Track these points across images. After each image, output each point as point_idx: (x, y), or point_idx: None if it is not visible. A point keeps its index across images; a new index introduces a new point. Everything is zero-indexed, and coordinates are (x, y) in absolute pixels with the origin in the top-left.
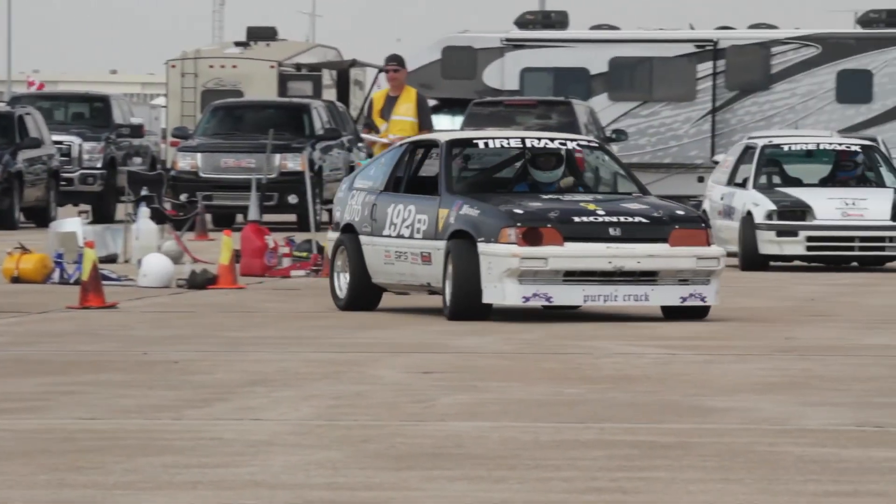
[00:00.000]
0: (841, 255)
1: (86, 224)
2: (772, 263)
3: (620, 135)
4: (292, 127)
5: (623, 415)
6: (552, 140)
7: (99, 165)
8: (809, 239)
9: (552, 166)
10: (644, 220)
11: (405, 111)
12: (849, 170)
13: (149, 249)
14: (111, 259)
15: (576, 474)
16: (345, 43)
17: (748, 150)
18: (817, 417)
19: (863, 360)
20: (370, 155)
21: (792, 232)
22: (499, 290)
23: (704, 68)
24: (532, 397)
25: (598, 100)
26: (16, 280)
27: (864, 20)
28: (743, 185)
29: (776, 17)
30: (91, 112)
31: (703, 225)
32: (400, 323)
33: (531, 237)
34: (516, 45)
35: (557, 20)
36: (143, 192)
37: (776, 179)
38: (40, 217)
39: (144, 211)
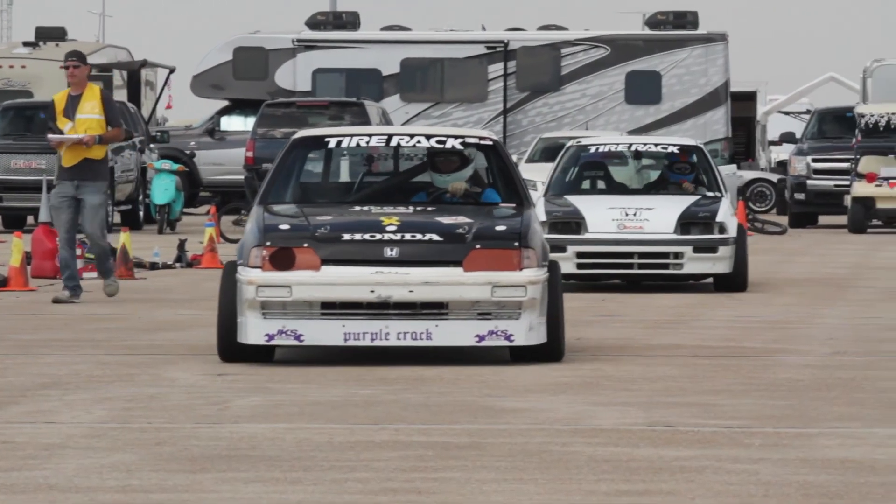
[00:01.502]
0: (618, 274)
1: None
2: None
3: None
4: None
5: (417, 416)
6: (428, 137)
7: None
8: (579, 255)
9: (454, 168)
10: (437, 238)
11: (90, 109)
12: (685, 173)
13: None
14: None
15: (370, 475)
16: (135, 43)
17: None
18: (609, 417)
19: (652, 359)
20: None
21: (560, 247)
22: (243, 325)
23: (495, 69)
24: (326, 399)
25: (391, 101)
26: None
27: (652, 22)
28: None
29: (566, 18)
30: None
31: (516, 244)
32: (193, 324)
33: (281, 259)
34: (308, 45)
35: (349, 21)
36: None
37: (601, 185)
38: None
39: None
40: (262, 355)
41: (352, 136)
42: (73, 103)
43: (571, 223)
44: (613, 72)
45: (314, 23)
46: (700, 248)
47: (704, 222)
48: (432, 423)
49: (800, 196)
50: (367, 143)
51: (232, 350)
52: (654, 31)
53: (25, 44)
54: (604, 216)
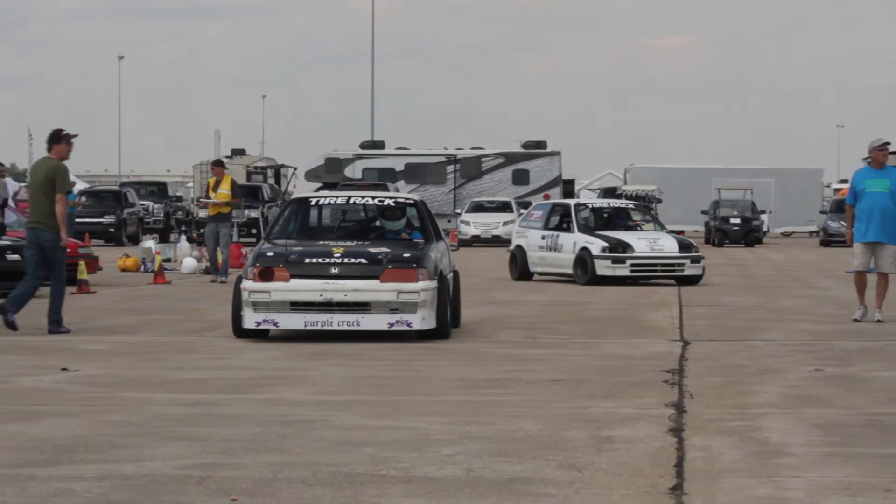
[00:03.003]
0: (651, 274)
1: (156, 243)
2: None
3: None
4: (253, 196)
5: (414, 339)
6: (373, 198)
7: (161, 216)
8: (633, 265)
9: (397, 217)
10: (364, 261)
11: (225, 188)
12: (625, 219)
13: (186, 255)
14: (168, 260)
15: (391, 363)
16: (278, 156)
17: (556, 207)
18: (504, 335)
19: (528, 306)
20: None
21: (621, 260)
22: (243, 316)
23: (450, 168)
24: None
25: (400, 184)
26: (123, 270)
27: (525, 145)
28: (567, 229)
29: (484, 142)
30: (158, 190)
31: (414, 265)
32: None
33: (265, 275)
34: (360, 156)
35: (379, 144)
36: (183, 228)
37: (590, 223)
38: (135, 240)
39: (183, 237)
40: (259, 334)
41: (327, 197)
42: (216, 185)
43: (620, 247)
44: (506, 169)
45: (363, 145)
46: (693, 260)
47: (689, 246)
48: (422, 341)
49: None
50: (336, 201)
51: (239, 331)
52: (525, 150)
53: (226, 157)
54: (640, 243)
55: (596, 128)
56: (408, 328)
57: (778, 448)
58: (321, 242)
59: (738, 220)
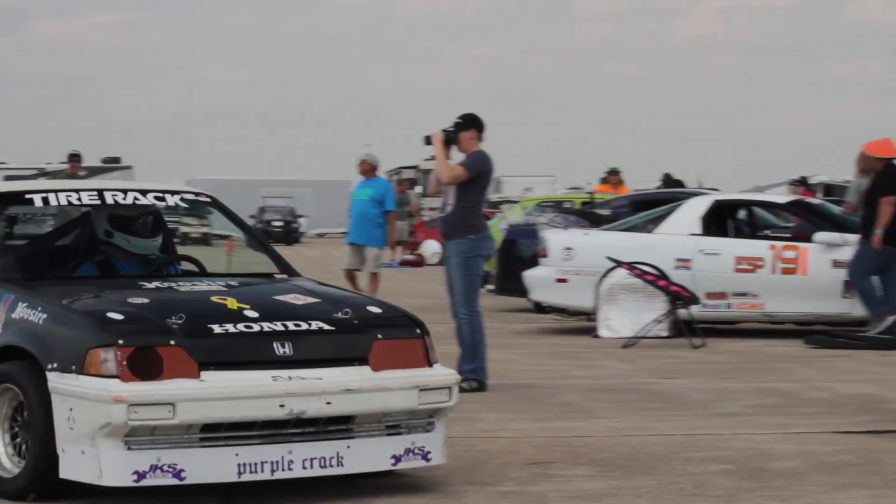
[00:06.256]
0: None
1: None
2: None
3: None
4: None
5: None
6: (144, 193)
7: None
8: None
9: (149, 233)
10: (327, 327)
11: None
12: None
13: None
14: None
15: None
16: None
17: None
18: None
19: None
20: None
21: None
22: (90, 460)
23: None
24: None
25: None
26: None
27: (104, 160)
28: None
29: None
30: None
31: (418, 332)
32: None
33: (143, 363)
34: None
35: None
36: None
37: None
38: None
39: None
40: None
41: (57, 191)
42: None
43: None
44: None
45: None
46: None
47: None
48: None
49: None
50: (79, 199)
51: (33, 487)
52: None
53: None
54: None
55: (173, 146)
56: (424, 463)
57: None
58: (144, 286)
59: (280, 223)
